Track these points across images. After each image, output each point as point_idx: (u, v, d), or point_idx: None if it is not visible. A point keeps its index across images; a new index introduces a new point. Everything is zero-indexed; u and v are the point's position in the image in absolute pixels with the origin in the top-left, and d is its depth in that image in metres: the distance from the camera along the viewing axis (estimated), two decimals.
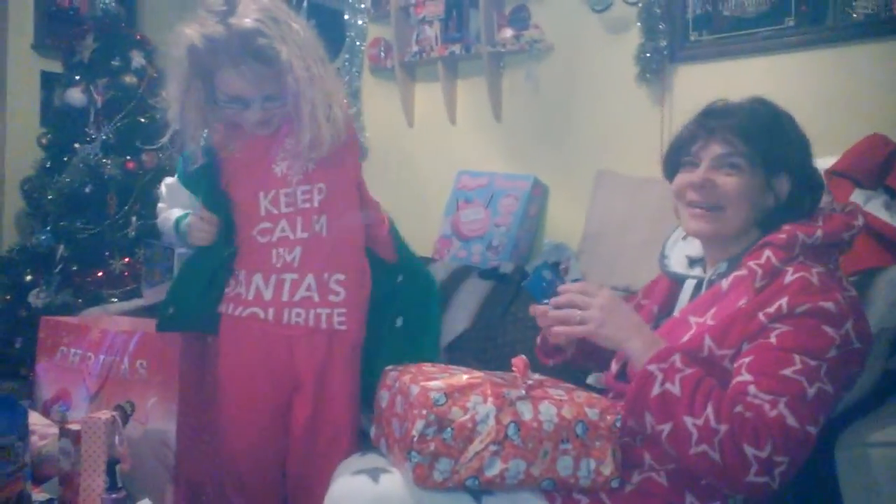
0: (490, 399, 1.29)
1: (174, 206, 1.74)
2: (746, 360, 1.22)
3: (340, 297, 1.60)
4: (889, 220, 1.68)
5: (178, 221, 1.68)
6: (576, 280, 2.33)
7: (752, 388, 1.19)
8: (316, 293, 1.58)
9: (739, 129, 1.32)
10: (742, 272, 1.29)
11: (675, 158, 1.40)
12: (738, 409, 1.17)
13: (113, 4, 3.19)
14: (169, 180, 1.81)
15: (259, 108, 1.48)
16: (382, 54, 2.97)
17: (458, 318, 2.33)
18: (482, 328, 2.26)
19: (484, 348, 2.22)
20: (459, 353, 2.26)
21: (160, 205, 1.79)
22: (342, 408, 1.60)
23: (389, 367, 1.53)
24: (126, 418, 1.60)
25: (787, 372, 1.18)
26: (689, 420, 1.17)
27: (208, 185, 1.60)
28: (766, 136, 1.31)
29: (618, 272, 2.27)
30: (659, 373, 1.21)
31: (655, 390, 1.21)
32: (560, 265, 2.39)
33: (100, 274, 2.92)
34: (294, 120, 1.49)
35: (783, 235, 1.28)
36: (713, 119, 1.36)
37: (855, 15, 2.06)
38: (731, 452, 1.15)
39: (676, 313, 1.39)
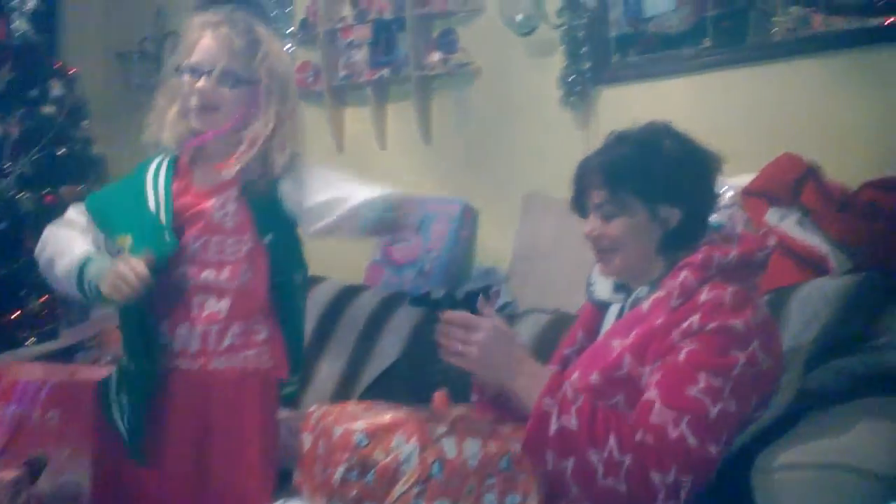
0: (413, 438, 1.28)
1: (71, 241, 1.59)
2: (655, 377, 1.24)
3: (263, 336, 1.59)
4: (802, 237, 1.72)
5: (84, 264, 1.53)
6: (506, 304, 2.34)
7: (656, 406, 1.20)
8: (243, 338, 1.56)
9: (607, 173, 1.36)
10: (661, 293, 1.32)
11: (576, 204, 1.44)
12: (640, 436, 1.18)
13: (31, 32, 3.10)
14: (76, 207, 1.66)
15: (208, 80, 1.49)
16: (311, 79, 2.94)
17: (389, 348, 2.31)
18: (414, 356, 2.24)
19: (416, 377, 2.19)
20: (391, 382, 2.24)
21: (47, 233, 1.64)
22: (259, 451, 1.56)
23: (313, 407, 1.50)
24: (38, 472, 1.53)
25: (692, 391, 1.20)
26: (592, 454, 1.17)
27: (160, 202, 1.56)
28: (635, 173, 1.34)
29: (548, 295, 2.27)
30: (553, 407, 1.20)
31: (553, 427, 1.19)
32: (491, 289, 2.39)
33: (16, 314, 2.81)
34: (249, 115, 1.52)
35: (700, 256, 1.31)
36: (584, 168, 1.40)
37: (774, 33, 2.11)
38: (638, 482, 1.16)
39: (600, 338, 1.40)
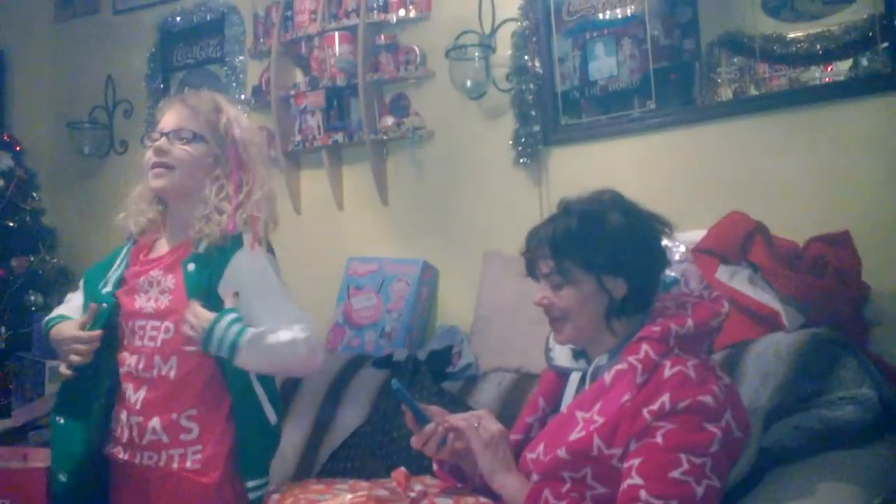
0: None
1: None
2: (636, 461, 1.25)
3: (193, 435, 1.51)
4: (753, 294, 1.76)
5: (49, 322, 1.59)
6: (469, 364, 2.33)
7: (643, 493, 1.21)
8: (164, 435, 1.50)
9: (552, 245, 1.40)
10: (622, 366, 1.33)
11: (528, 271, 1.47)
12: None
13: None
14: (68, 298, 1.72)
15: (166, 139, 1.53)
16: (265, 144, 2.94)
17: (352, 413, 2.28)
18: (377, 422, 2.21)
19: (381, 443, 2.16)
20: (355, 451, 2.20)
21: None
22: None
23: (272, 488, 1.47)
24: None
25: (676, 474, 1.21)
26: None
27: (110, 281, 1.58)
28: (578, 245, 1.38)
29: (510, 354, 2.27)
30: None
31: None
32: (453, 349, 2.38)
33: None
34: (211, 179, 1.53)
35: (657, 328, 1.33)
36: (532, 239, 1.44)
37: (719, 89, 2.19)
38: None
39: (563, 408, 1.42)
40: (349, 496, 1.31)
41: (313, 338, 1.54)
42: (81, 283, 1.67)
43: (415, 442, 1.45)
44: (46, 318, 1.64)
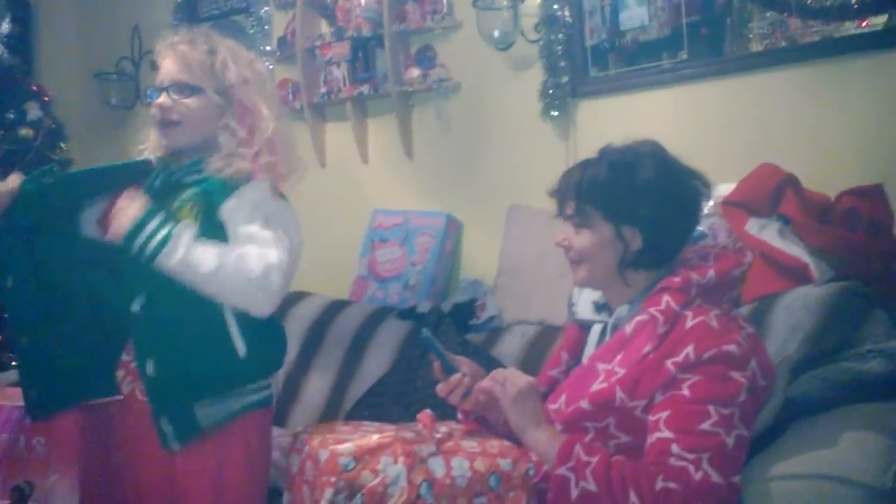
0: (401, 459, 1.28)
1: None
2: (663, 414, 1.24)
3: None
4: (783, 246, 1.74)
5: None
6: (492, 317, 2.34)
7: (674, 447, 1.21)
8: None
9: (577, 187, 1.39)
10: (643, 317, 1.32)
11: (559, 212, 1.46)
12: (661, 483, 1.19)
13: (6, 55, 3.08)
14: None
15: (166, 95, 1.50)
16: (290, 95, 2.93)
17: (377, 362, 2.31)
18: (402, 371, 2.24)
19: (404, 391, 2.19)
20: (380, 398, 2.23)
21: None
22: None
23: (300, 428, 1.50)
24: (24, 500, 1.52)
25: (706, 426, 1.21)
26: None
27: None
28: (602, 191, 1.37)
29: (533, 307, 2.28)
30: (570, 473, 1.24)
31: (574, 494, 1.23)
32: (476, 302, 2.39)
33: None
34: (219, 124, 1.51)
35: (678, 279, 1.32)
36: (563, 180, 1.44)
37: (751, 41, 2.14)
38: None
39: (584, 360, 1.42)
40: (376, 436, 1.33)
41: (265, 268, 1.40)
42: None
43: (440, 389, 1.47)
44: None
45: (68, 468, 1.56)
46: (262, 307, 1.44)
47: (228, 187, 1.47)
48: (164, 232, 1.41)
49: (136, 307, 1.47)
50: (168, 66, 1.52)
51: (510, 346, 2.17)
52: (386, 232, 2.69)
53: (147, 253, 1.41)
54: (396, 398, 2.20)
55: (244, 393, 1.49)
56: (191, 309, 1.44)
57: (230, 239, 1.45)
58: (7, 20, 3.11)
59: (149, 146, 1.62)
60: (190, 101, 1.51)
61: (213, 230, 1.45)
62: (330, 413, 2.29)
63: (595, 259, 1.39)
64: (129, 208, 1.45)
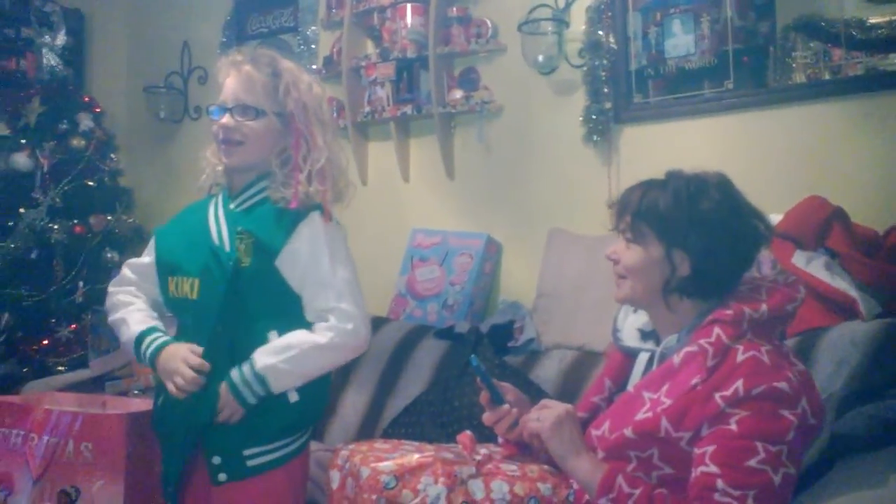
0: (441, 479, 1.28)
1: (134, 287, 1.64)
2: (709, 448, 1.23)
3: None
4: (829, 280, 1.72)
5: (140, 339, 1.56)
6: (530, 340, 2.34)
7: (719, 483, 1.20)
8: None
9: (637, 205, 1.39)
10: (693, 348, 1.31)
11: (615, 224, 1.46)
12: None
13: (60, 67, 3.18)
14: (134, 260, 1.69)
15: (230, 115, 1.54)
16: (335, 114, 2.98)
17: (414, 381, 2.32)
18: (439, 390, 2.24)
19: (441, 411, 2.19)
20: (416, 417, 2.24)
21: (110, 289, 1.67)
22: None
23: (340, 445, 1.51)
24: None
25: (752, 463, 1.20)
26: None
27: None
28: (660, 212, 1.36)
29: (572, 331, 2.28)
30: None
31: None
32: (514, 324, 2.40)
33: (45, 342, 2.85)
34: (280, 147, 1.55)
35: (730, 311, 1.31)
36: (625, 195, 1.44)
37: (794, 72, 2.14)
38: None
39: (630, 388, 1.41)
40: (416, 455, 1.34)
41: (350, 323, 1.52)
42: (152, 242, 1.68)
43: (487, 419, 1.47)
44: (137, 330, 1.56)
45: (115, 474, 1.59)
46: (361, 351, 1.62)
47: (284, 229, 1.52)
48: (251, 376, 1.49)
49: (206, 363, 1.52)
50: (232, 86, 1.56)
51: (549, 369, 2.17)
52: (425, 251, 2.71)
53: (263, 394, 1.50)
54: (432, 417, 2.21)
55: (291, 441, 1.56)
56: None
57: (302, 285, 1.53)
58: (63, 32, 3.20)
59: (208, 163, 1.65)
60: (253, 123, 1.54)
61: (266, 270, 1.52)
62: (367, 429, 2.31)
63: (640, 276, 1.38)
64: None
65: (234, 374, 1.49)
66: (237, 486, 1.51)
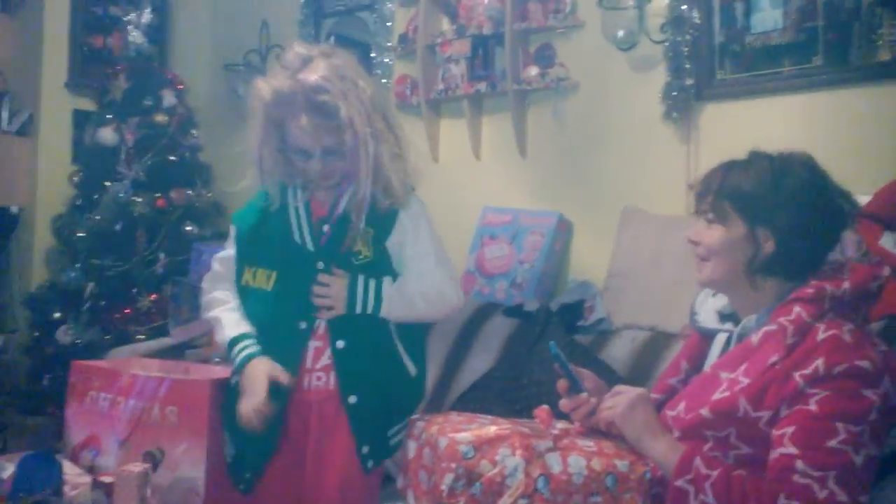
0: (519, 451, 1.29)
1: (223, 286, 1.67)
2: (788, 429, 1.21)
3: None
4: None
5: (232, 345, 1.61)
6: (601, 319, 2.32)
7: (799, 464, 1.18)
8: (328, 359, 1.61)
9: (719, 183, 1.36)
10: (772, 327, 1.29)
11: (696, 205, 1.44)
12: (783, 500, 1.17)
13: (145, 44, 3.27)
14: (222, 255, 1.70)
15: (319, 160, 1.54)
16: (408, 91, 2.99)
17: (482, 357, 2.33)
18: (507, 367, 2.25)
19: (509, 388, 2.20)
20: (484, 393, 2.25)
21: (204, 285, 1.71)
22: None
23: (415, 416, 1.54)
24: (156, 466, 1.61)
25: (833, 443, 1.17)
26: None
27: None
28: (744, 189, 1.34)
29: (644, 312, 2.25)
30: (689, 486, 1.22)
31: None
32: (585, 303, 2.38)
33: (127, 311, 2.96)
34: (354, 175, 1.56)
35: (811, 290, 1.28)
36: (707, 175, 1.41)
37: (880, 48, 2.05)
38: None
39: (707, 368, 1.39)
40: (494, 428, 1.35)
41: (448, 285, 1.65)
42: (233, 233, 1.68)
43: (564, 406, 1.46)
44: (231, 335, 1.60)
45: (198, 438, 1.64)
46: (455, 311, 1.74)
47: (388, 219, 1.61)
48: (373, 291, 1.58)
49: (340, 345, 1.59)
50: (301, 136, 1.52)
51: (619, 349, 2.14)
52: (495, 229, 2.71)
53: (369, 311, 1.58)
54: (500, 394, 2.21)
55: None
56: (376, 342, 1.61)
57: (408, 263, 1.63)
58: (148, 10, 3.29)
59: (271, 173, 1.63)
60: (341, 163, 1.56)
61: (382, 258, 1.62)
62: (435, 405, 2.33)
63: (723, 257, 1.36)
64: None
65: (361, 280, 1.58)
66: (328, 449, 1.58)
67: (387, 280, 1.61)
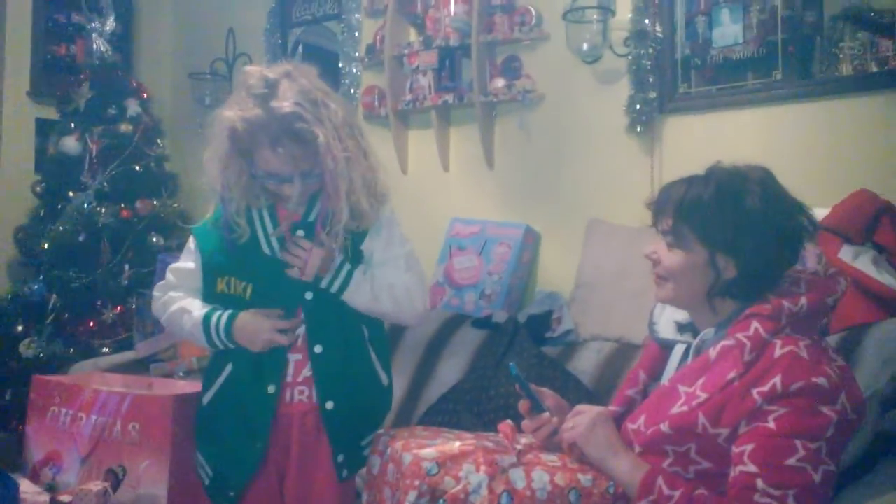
0: (483, 467, 1.29)
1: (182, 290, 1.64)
2: (748, 447, 1.22)
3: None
4: (877, 276, 1.69)
5: (206, 319, 1.57)
6: (568, 331, 2.34)
7: (759, 483, 1.19)
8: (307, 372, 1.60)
9: (676, 206, 1.36)
10: (730, 342, 1.29)
11: (653, 222, 1.44)
12: None
13: (109, 52, 3.23)
14: (178, 265, 1.67)
15: (299, 184, 1.53)
16: (377, 102, 2.99)
17: (450, 369, 2.33)
18: (475, 379, 2.25)
19: (478, 400, 2.20)
20: (453, 405, 2.25)
21: (156, 293, 1.68)
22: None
23: (381, 431, 1.53)
24: (117, 483, 1.59)
25: (792, 461, 1.19)
26: None
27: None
28: (702, 215, 1.33)
29: (610, 323, 2.27)
30: None
31: None
32: (552, 314, 2.39)
33: (91, 324, 2.91)
34: (331, 197, 1.54)
35: (768, 306, 1.29)
36: (663, 193, 1.40)
37: (841, 63, 2.09)
38: None
39: (665, 381, 1.40)
40: (458, 443, 1.35)
41: (417, 290, 1.65)
42: (193, 245, 1.65)
43: (526, 426, 1.47)
44: (202, 313, 1.57)
45: (161, 455, 1.62)
46: (419, 320, 1.74)
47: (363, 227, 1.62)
48: (344, 272, 1.58)
49: (317, 349, 1.58)
50: (274, 163, 1.50)
51: (586, 361, 2.16)
52: (464, 240, 2.72)
53: (333, 291, 1.57)
54: (469, 406, 2.22)
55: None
56: (352, 348, 1.61)
57: (379, 264, 1.64)
58: (112, 18, 3.25)
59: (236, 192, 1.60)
60: (313, 183, 1.55)
61: (357, 258, 1.62)
62: (403, 416, 2.33)
63: (683, 281, 1.36)
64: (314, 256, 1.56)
65: (337, 259, 1.57)
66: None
67: (360, 269, 1.61)
